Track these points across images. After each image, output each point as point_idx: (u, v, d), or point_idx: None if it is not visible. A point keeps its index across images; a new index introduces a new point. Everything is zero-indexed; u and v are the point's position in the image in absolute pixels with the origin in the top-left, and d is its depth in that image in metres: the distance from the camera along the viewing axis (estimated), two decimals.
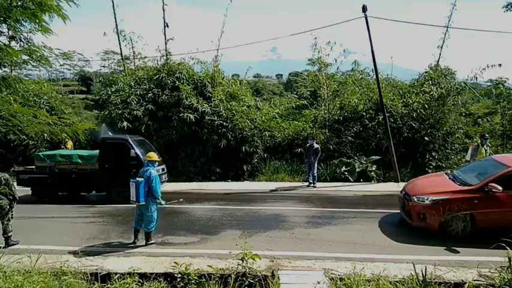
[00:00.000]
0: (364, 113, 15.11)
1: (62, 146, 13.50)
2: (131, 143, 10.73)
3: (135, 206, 7.25)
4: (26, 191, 10.89)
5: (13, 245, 7.22)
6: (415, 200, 7.76)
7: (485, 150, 10.89)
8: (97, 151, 11.04)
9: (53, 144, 14.92)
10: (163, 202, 7.40)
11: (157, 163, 7.52)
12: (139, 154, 10.62)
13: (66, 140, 13.20)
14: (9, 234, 7.25)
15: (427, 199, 7.57)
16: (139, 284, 5.69)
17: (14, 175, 11.18)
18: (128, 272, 5.95)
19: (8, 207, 7.24)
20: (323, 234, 7.88)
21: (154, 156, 7.37)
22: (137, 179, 7.01)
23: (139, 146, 10.96)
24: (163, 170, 11.47)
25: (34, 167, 11.17)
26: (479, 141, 11.38)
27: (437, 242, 7.17)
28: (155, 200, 7.20)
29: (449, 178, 8.33)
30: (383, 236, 7.67)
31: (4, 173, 7.51)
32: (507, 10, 14.90)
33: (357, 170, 13.39)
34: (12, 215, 7.31)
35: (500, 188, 7.10)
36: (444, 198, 7.42)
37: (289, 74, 66.46)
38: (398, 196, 8.76)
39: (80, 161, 10.90)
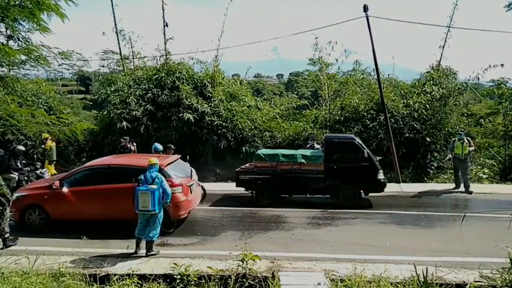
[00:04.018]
0: (365, 113, 15.03)
1: (43, 146, 13.11)
2: (360, 143, 10.15)
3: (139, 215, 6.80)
4: None
5: (11, 246, 7.15)
6: (14, 197, 8.14)
7: (461, 144, 11.33)
8: (318, 151, 10.66)
9: None
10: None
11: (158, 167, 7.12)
12: (371, 155, 10.06)
13: (48, 140, 12.66)
14: (5, 236, 7.17)
15: (17, 195, 8.34)
16: (139, 285, 5.66)
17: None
18: (126, 273, 5.91)
19: (1, 208, 7.08)
20: (324, 235, 7.83)
21: (156, 160, 7.08)
22: (149, 186, 6.63)
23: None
24: None
25: (253, 166, 10.57)
26: (457, 136, 11.84)
27: (436, 242, 7.11)
28: (163, 205, 6.91)
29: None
30: (384, 237, 7.60)
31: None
32: (508, 10, 14.84)
33: None
34: (7, 216, 7.18)
35: (57, 185, 8.14)
36: (23, 194, 8.43)
37: (290, 74, 66.29)
38: None
39: (304, 161, 10.13)
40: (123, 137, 12.74)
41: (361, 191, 10.18)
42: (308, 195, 10.46)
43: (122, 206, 7.70)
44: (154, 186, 6.64)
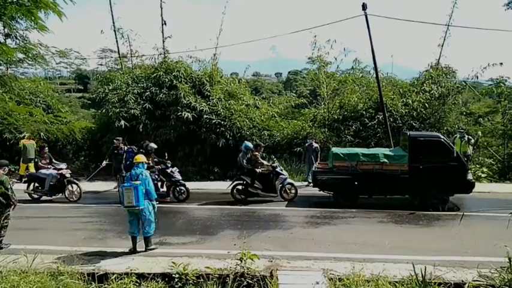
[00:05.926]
0: (364, 112, 15.05)
1: (18, 145, 12.75)
2: (448, 141, 9.71)
3: (126, 212, 6.86)
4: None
5: (1, 248, 6.96)
6: None
7: (461, 142, 11.89)
8: (398, 149, 10.37)
9: (50, 143, 14.72)
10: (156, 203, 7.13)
11: (146, 165, 7.14)
12: (460, 155, 9.69)
13: (25, 138, 11.73)
14: (0, 239, 7.04)
15: None
16: (137, 284, 5.65)
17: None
18: (125, 272, 5.89)
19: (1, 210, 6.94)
20: (322, 234, 7.83)
21: (142, 158, 7.13)
22: (133, 182, 6.69)
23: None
24: None
25: (331, 166, 10.10)
26: (458, 134, 12.39)
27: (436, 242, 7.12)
28: (151, 201, 6.94)
29: None
30: (383, 236, 7.60)
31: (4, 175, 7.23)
32: (508, 8, 14.89)
33: None
34: (7, 220, 7.01)
35: None
36: None
37: (289, 72, 66.35)
38: None
39: (386, 160, 9.66)
40: (116, 138, 12.38)
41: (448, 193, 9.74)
42: (387, 196, 10.09)
43: None
44: (138, 182, 6.71)
